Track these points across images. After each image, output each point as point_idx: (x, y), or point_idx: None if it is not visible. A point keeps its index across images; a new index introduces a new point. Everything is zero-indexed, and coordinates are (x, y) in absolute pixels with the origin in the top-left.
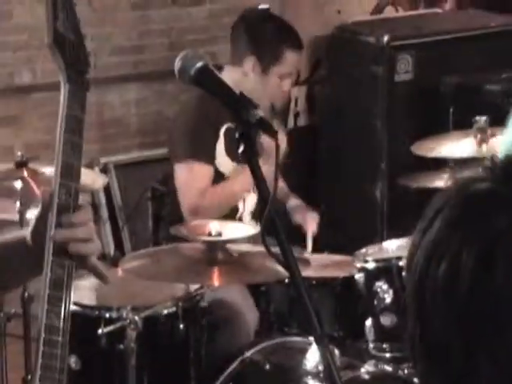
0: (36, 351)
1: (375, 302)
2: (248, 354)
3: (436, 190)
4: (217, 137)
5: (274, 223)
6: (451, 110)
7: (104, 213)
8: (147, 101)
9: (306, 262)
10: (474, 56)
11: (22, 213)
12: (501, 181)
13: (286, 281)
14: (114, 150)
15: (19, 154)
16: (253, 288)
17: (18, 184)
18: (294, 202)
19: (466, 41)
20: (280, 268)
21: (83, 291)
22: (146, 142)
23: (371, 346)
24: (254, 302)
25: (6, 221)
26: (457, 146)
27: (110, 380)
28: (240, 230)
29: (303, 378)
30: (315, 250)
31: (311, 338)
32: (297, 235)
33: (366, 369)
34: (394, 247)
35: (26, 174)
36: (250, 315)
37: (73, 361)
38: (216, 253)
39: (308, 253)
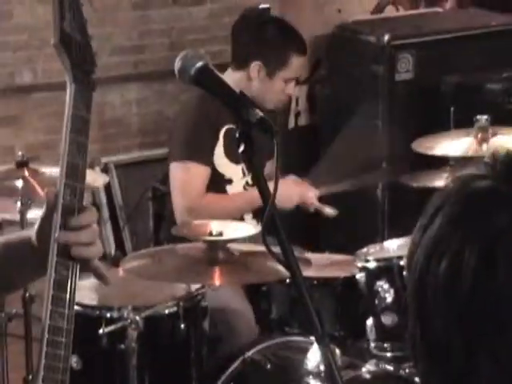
0: (39, 352)
1: (376, 302)
2: (249, 353)
3: (437, 190)
4: (216, 138)
5: (275, 223)
6: (452, 109)
7: (105, 213)
8: (148, 101)
9: (307, 262)
10: (475, 55)
11: (22, 213)
12: (502, 178)
13: (287, 280)
14: (114, 150)
15: (20, 153)
16: (254, 288)
17: (19, 184)
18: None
19: (466, 40)
20: (281, 268)
21: (84, 291)
22: (146, 142)
23: (372, 345)
24: (250, 305)
25: (6, 221)
26: (457, 145)
27: (111, 380)
28: (241, 230)
29: (304, 377)
30: (316, 249)
31: (312, 338)
32: (297, 236)
33: (367, 368)
34: (395, 246)
35: (26, 173)
36: (248, 316)
37: (74, 361)
38: (217, 252)
39: (333, 211)
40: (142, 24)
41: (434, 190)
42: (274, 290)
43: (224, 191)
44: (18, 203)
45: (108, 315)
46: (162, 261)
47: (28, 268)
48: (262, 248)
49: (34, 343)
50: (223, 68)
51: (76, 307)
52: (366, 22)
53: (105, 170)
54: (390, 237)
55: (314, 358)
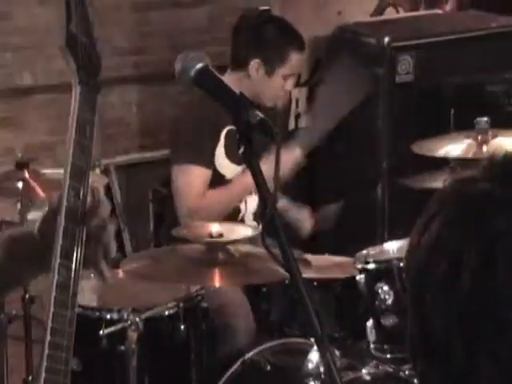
0: (40, 354)
1: (376, 303)
2: (249, 355)
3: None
4: (217, 139)
5: (275, 224)
6: (452, 111)
7: None
8: (148, 102)
9: (307, 263)
10: (475, 57)
11: (22, 214)
12: (498, 181)
13: (287, 282)
14: (114, 152)
15: (20, 155)
16: (254, 289)
17: (19, 185)
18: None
19: (466, 42)
20: (281, 269)
21: (84, 292)
22: (146, 144)
23: (372, 346)
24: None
25: (6, 222)
26: (458, 147)
27: (111, 381)
28: (241, 231)
29: (304, 379)
30: (316, 251)
31: (312, 339)
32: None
33: (367, 370)
34: (395, 248)
35: (26, 175)
36: (248, 317)
37: (74, 362)
38: (217, 254)
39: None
40: (142, 25)
41: (434, 191)
42: (274, 291)
43: None
44: (18, 204)
45: (108, 316)
46: (161, 262)
47: (32, 261)
48: (262, 249)
49: (33, 345)
50: (223, 69)
51: (76, 309)
52: (366, 23)
53: (105, 171)
54: (390, 238)
55: (313, 359)
